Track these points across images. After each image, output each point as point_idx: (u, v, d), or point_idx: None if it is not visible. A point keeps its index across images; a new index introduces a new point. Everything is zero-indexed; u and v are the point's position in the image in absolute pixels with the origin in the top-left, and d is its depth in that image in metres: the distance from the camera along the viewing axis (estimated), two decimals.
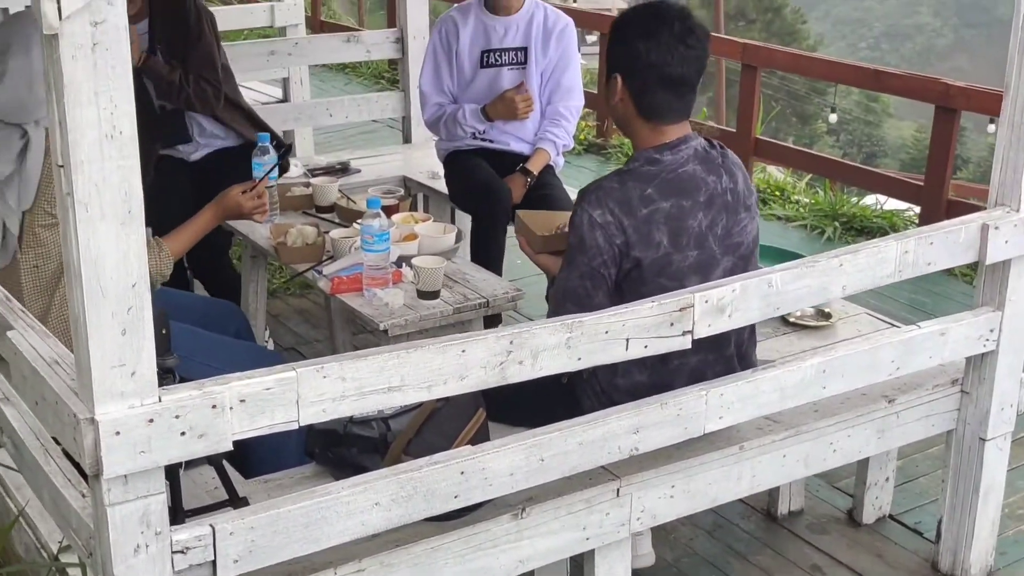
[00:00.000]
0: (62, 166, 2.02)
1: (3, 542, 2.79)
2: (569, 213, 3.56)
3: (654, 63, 2.94)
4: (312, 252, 3.93)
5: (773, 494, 3.88)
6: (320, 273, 3.83)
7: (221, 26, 7.58)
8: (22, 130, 3.18)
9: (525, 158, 4.62)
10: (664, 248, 2.92)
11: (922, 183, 6.37)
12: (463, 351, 2.50)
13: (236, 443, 2.31)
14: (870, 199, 7.22)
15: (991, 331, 3.31)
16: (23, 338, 2.47)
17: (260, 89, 7.30)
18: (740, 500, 3.92)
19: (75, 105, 1.96)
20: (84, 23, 1.93)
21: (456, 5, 4.85)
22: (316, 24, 10.79)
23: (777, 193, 7.21)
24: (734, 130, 7.25)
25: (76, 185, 2.00)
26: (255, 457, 3.17)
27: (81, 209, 2.01)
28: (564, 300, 2.96)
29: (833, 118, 16.44)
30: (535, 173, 4.53)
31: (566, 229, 3.20)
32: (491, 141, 4.65)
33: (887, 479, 3.87)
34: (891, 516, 3.91)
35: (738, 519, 3.89)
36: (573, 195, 4.38)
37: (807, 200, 6.99)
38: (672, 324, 2.75)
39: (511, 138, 4.64)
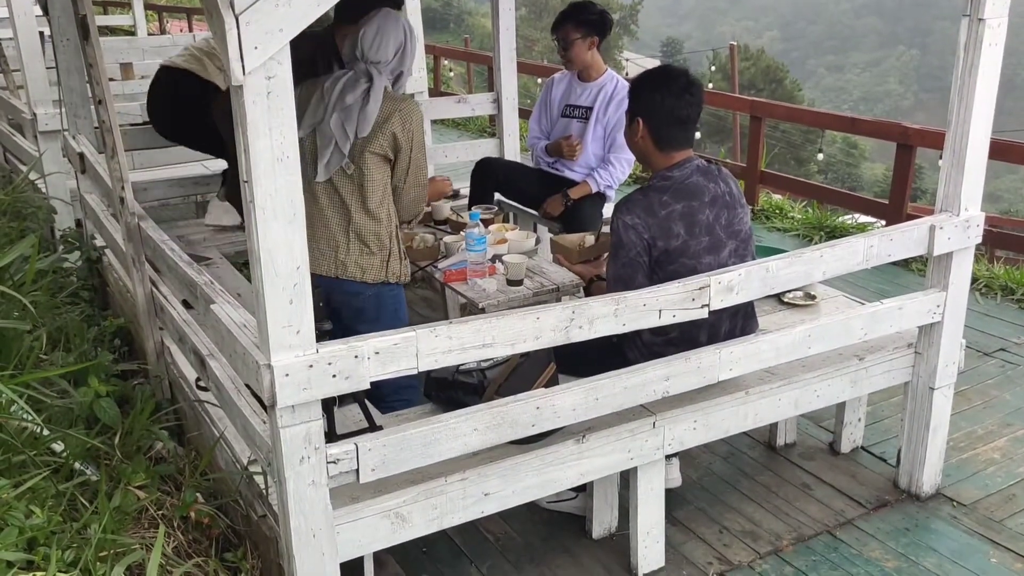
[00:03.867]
0: (246, 181, 2.03)
1: (209, 457, 2.84)
2: (585, 234, 3.57)
3: (667, 107, 2.93)
4: (431, 252, 3.94)
5: (773, 430, 3.80)
6: (436, 268, 3.84)
7: None
8: (368, 75, 3.10)
9: (573, 184, 4.62)
10: (682, 237, 2.88)
11: (887, 202, 6.21)
12: (538, 318, 2.48)
13: (378, 390, 2.32)
14: (848, 217, 7.05)
15: (937, 307, 3.21)
16: (222, 309, 2.51)
17: None
18: (747, 434, 3.87)
19: (255, 137, 1.98)
20: (261, 78, 1.96)
21: (562, 71, 4.86)
22: (436, 92, 10.82)
23: (777, 211, 7.07)
24: (745, 165, 7.13)
25: (256, 194, 2.02)
26: (392, 399, 3.20)
27: (259, 211, 2.03)
28: (615, 283, 2.94)
29: (820, 156, 15.94)
30: (572, 197, 4.54)
31: (587, 245, 3.22)
32: (557, 169, 4.68)
33: (859, 419, 3.76)
34: (863, 447, 3.80)
35: (746, 449, 3.81)
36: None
37: (800, 216, 6.85)
38: (693, 299, 2.71)
39: (568, 169, 4.65)
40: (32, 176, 5.38)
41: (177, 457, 3.03)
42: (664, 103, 2.92)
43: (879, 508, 3.41)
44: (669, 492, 3.44)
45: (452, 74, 14.32)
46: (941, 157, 3.18)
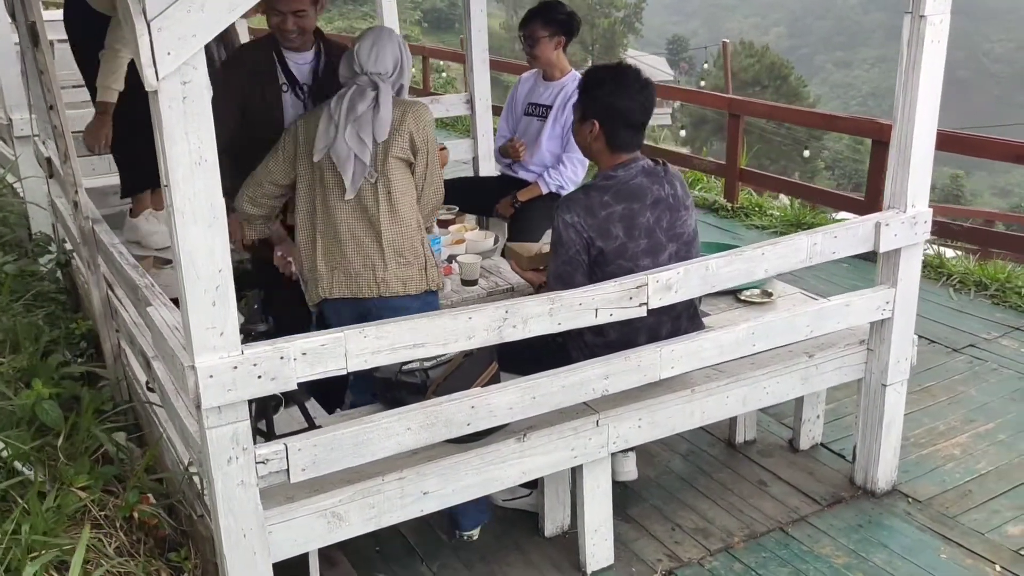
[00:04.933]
0: (167, 186, 2.06)
1: (151, 458, 2.87)
2: (538, 244, 3.59)
3: (624, 111, 2.94)
4: None
5: (732, 427, 3.81)
6: None
7: None
8: (373, 84, 3.11)
9: (525, 185, 4.62)
10: (620, 239, 2.90)
11: (863, 198, 6.20)
12: (470, 318, 2.50)
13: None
14: (833, 215, 7.01)
15: (887, 303, 3.22)
16: (157, 311, 2.53)
17: None
18: (707, 432, 3.88)
19: (171, 142, 2.01)
20: (176, 83, 1.98)
21: (532, 70, 4.83)
22: (425, 93, 10.79)
23: (756, 208, 7.05)
24: (724, 163, 7.11)
25: (175, 198, 2.04)
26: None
27: (179, 216, 2.06)
28: (554, 281, 2.97)
29: (807, 153, 15.97)
30: (520, 199, 4.53)
31: (542, 252, 3.26)
32: (514, 171, 4.69)
33: (818, 416, 3.76)
34: (822, 444, 3.80)
35: (706, 446, 3.82)
36: None
37: (778, 213, 6.84)
38: (631, 298, 2.72)
39: (524, 171, 4.64)
40: (12, 181, 5.43)
41: (129, 459, 3.06)
42: (621, 107, 2.93)
43: (833, 505, 3.41)
44: (624, 489, 3.46)
45: (444, 75, 14.33)
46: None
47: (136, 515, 2.70)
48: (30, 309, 3.88)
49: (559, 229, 2.91)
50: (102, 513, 2.66)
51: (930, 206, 3.20)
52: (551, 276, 2.97)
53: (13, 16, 4.34)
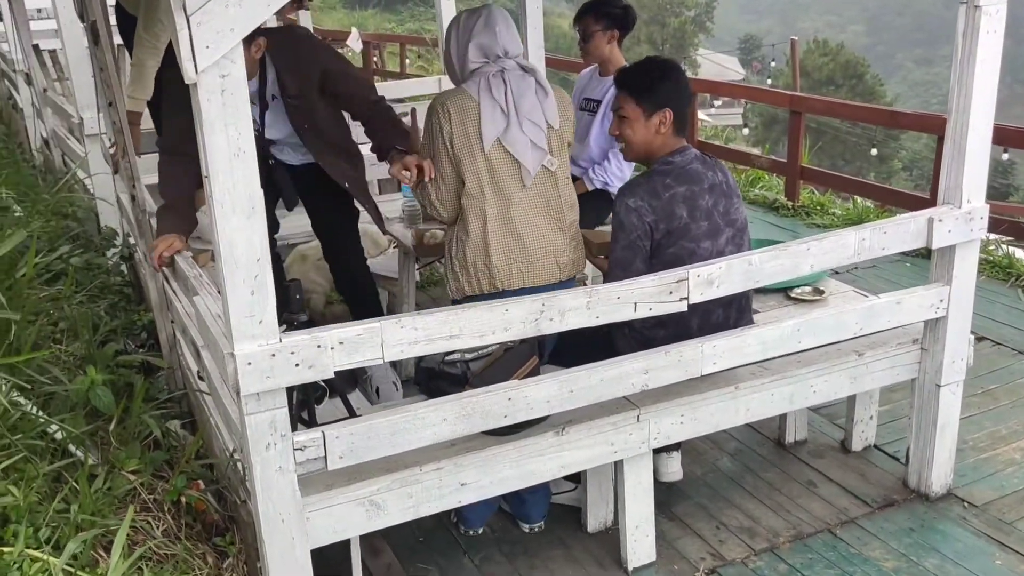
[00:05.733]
0: (207, 176, 2.11)
1: (197, 444, 2.93)
2: (606, 232, 3.61)
3: (688, 94, 3.09)
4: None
5: (782, 426, 3.75)
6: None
7: None
8: (525, 68, 3.12)
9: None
10: (684, 219, 2.93)
11: (928, 196, 6.04)
12: (506, 310, 2.51)
13: None
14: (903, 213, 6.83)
15: (941, 301, 3.13)
16: (203, 301, 2.60)
17: None
18: (757, 431, 3.83)
19: (211, 133, 2.06)
20: (215, 76, 2.03)
21: (593, 66, 4.79)
22: None
23: (819, 207, 6.91)
24: (784, 160, 6.98)
25: (214, 189, 2.09)
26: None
27: (218, 206, 2.10)
28: (614, 267, 2.99)
29: (874, 152, 15.58)
30: None
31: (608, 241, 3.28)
32: None
33: (871, 417, 3.68)
34: (875, 446, 3.72)
35: (755, 445, 3.77)
36: None
37: (840, 212, 6.69)
38: (671, 292, 2.70)
39: (572, 166, 4.56)
40: (83, 176, 5.62)
41: (180, 445, 3.14)
42: (686, 90, 3.07)
43: (885, 507, 3.34)
44: (670, 487, 3.44)
45: None
46: (1005, 150, 3.10)
47: (184, 499, 2.77)
48: (93, 300, 4.00)
49: (621, 214, 2.95)
50: (151, 497, 2.73)
51: (997, 203, 3.12)
52: (611, 262, 3.01)
53: (83, 18, 4.49)
